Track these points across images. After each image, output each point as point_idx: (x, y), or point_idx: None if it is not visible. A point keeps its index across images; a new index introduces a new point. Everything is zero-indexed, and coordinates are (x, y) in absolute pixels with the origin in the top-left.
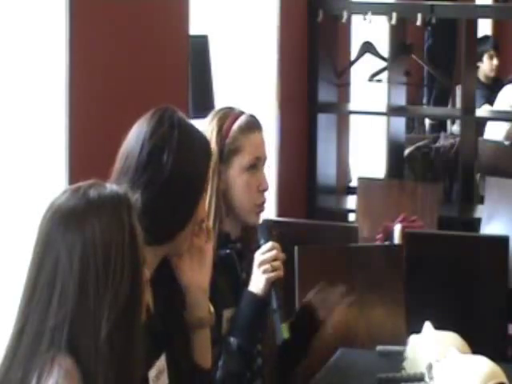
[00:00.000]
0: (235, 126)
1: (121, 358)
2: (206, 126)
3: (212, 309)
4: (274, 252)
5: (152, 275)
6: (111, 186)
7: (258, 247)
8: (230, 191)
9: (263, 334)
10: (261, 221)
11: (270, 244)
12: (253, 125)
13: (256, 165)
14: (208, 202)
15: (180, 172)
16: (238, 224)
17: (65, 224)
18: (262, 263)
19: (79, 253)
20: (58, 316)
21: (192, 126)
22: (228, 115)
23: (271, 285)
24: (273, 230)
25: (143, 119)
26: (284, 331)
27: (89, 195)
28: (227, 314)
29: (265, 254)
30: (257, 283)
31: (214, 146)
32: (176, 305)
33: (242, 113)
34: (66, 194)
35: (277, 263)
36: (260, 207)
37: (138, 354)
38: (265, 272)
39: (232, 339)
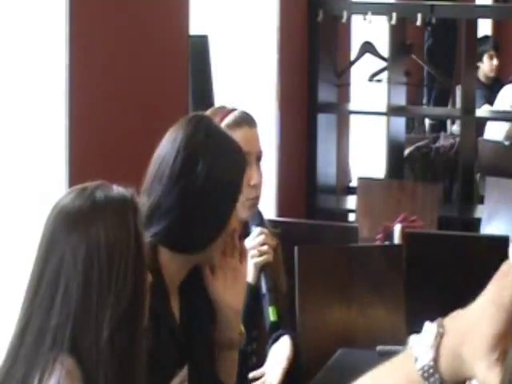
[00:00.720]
0: (222, 124)
1: (122, 359)
2: None
3: (243, 329)
4: (261, 237)
5: (180, 284)
6: (118, 189)
7: (249, 234)
8: None
9: (258, 332)
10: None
11: (258, 229)
12: (240, 120)
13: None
14: None
15: (213, 182)
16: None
17: (70, 224)
18: (249, 249)
19: (83, 254)
20: (61, 316)
21: (227, 136)
22: (216, 114)
23: (260, 270)
24: (268, 226)
25: (179, 125)
26: (272, 314)
27: (95, 196)
28: None
29: (253, 239)
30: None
31: None
32: (202, 317)
33: (231, 110)
34: (72, 194)
35: (264, 248)
36: (251, 201)
37: (140, 357)
38: (252, 257)
39: None
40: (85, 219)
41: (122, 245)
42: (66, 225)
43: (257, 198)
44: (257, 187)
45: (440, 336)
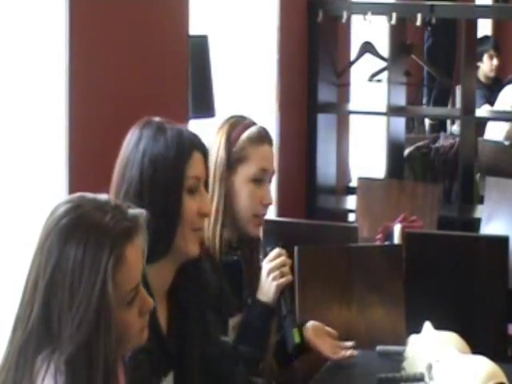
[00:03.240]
0: (244, 135)
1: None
2: (217, 131)
3: None
4: (281, 258)
5: (168, 288)
6: (113, 215)
7: (265, 255)
8: (233, 198)
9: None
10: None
11: (276, 250)
12: (262, 137)
13: (262, 177)
14: (215, 205)
15: (149, 178)
16: (236, 232)
17: (52, 237)
18: (270, 271)
19: (50, 270)
20: (33, 328)
21: (159, 133)
22: (239, 123)
23: (281, 291)
24: (279, 240)
25: (130, 135)
26: (295, 336)
27: (82, 219)
28: (232, 322)
29: (272, 261)
30: (267, 291)
31: (222, 152)
32: (194, 320)
33: (253, 123)
34: (68, 205)
35: (285, 269)
36: (260, 219)
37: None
38: (274, 279)
39: (243, 348)
40: (62, 238)
41: (89, 279)
42: (49, 236)
43: (264, 216)
44: (267, 206)
45: None
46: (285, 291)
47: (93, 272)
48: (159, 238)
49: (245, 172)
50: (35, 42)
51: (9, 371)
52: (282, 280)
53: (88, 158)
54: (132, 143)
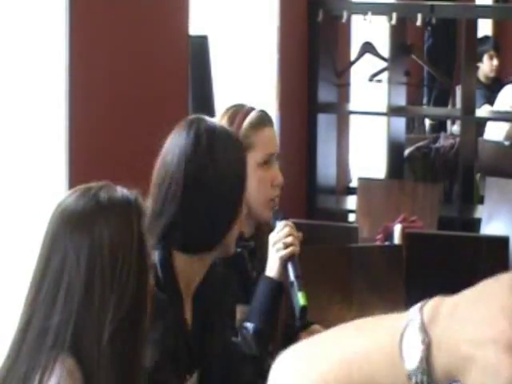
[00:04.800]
0: (246, 123)
1: (123, 360)
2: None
3: None
4: (286, 229)
5: (196, 288)
6: (122, 190)
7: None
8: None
9: (273, 334)
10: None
11: (282, 223)
12: (264, 120)
13: (269, 160)
14: None
15: (222, 180)
16: (252, 222)
17: (73, 224)
18: (274, 243)
19: (86, 253)
20: (63, 315)
21: (225, 135)
22: (238, 111)
23: (286, 263)
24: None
25: (180, 134)
26: (301, 298)
27: (99, 197)
28: (238, 311)
29: (278, 233)
30: (271, 264)
31: None
32: (217, 321)
33: (252, 109)
34: (76, 193)
35: (289, 239)
36: (274, 202)
37: (141, 358)
38: (278, 250)
39: (248, 324)
40: (88, 219)
41: (125, 246)
42: (70, 224)
43: (277, 197)
44: (279, 187)
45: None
46: (293, 259)
47: (128, 238)
48: (213, 229)
49: (252, 159)
50: (35, 42)
51: (18, 364)
52: (285, 251)
53: (88, 157)
54: (202, 148)
